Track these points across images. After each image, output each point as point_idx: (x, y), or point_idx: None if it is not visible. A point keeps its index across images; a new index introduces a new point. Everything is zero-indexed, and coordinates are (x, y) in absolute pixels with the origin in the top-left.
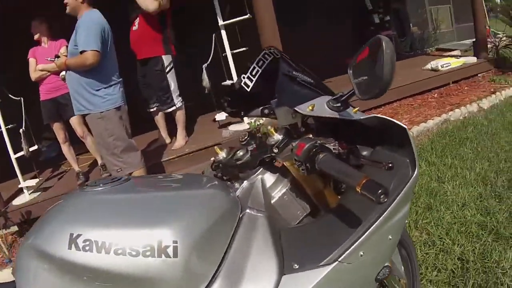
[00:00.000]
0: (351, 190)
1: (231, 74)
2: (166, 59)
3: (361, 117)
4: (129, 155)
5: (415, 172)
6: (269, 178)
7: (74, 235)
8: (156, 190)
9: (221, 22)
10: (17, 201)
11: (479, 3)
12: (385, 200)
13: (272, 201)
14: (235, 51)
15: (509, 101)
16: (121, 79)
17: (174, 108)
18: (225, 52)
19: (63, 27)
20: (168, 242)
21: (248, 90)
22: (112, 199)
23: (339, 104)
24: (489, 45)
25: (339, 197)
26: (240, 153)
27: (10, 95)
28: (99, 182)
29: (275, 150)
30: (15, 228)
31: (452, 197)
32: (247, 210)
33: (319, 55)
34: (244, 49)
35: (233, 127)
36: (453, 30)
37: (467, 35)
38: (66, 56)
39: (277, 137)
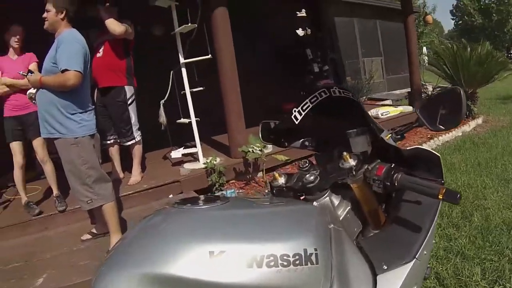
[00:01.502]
0: (401, 202)
1: (187, 112)
2: (129, 90)
3: (408, 148)
4: (101, 186)
5: (459, 202)
6: (335, 199)
7: (215, 252)
8: (264, 207)
9: (182, 60)
10: None
11: (414, 56)
12: (460, 199)
13: (340, 219)
14: (194, 89)
15: (446, 145)
16: (93, 106)
17: (133, 141)
18: (183, 89)
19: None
20: (311, 250)
21: (296, 123)
22: (235, 213)
23: (399, 136)
24: (422, 95)
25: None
26: (310, 177)
27: None
28: (193, 201)
29: (353, 173)
30: None
31: None
32: (332, 226)
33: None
34: (201, 88)
35: (188, 165)
36: (383, 81)
37: (396, 85)
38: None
39: (352, 162)
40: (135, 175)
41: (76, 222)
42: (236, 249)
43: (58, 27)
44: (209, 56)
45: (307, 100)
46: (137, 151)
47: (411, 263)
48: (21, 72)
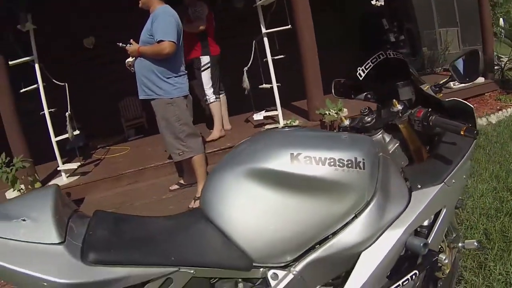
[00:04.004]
0: (440, 143)
1: (269, 78)
2: (204, 60)
3: (446, 99)
4: (192, 140)
5: (477, 137)
6: (387, 137)
7: (294, 154)
8: (327, 132)
9: (263, 30)
10: (54, 183)
11: (488, 26)
12: (477, 136)
13: (390, 152)
14: (275, 57)
15: None
16: (186, 71)
17: (208, 102)
18: (265, 57)
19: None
20: (360, 159)
21: (360, 79)
22: (307, 134)
23: (437, 89)
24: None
25: (428, 153)
26: (368, 118)
27: (54, 80)
28: (281, 128)
29: (400, 115)
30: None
31: (472, 189)
32: (381, 154)
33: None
34: (281, 56)
35: (269, 127)
36: (460, 52)
37: None
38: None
39: (400, 107)
40: (214, 132)
41: (164, 176)
42: (308, 152)
43: (151, 4)
44: (289, 26)
45: (369, 61)
46: (214, 110)
47: (439, 186)
48: (120, 44)
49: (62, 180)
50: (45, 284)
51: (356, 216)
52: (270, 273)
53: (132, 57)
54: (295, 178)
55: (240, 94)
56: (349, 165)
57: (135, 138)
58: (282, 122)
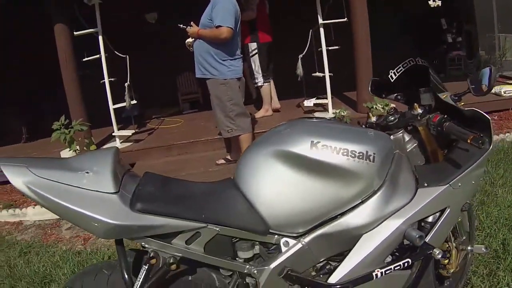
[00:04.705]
0: (454, 148)
1: (322, 67)
2: (252, 46)
3: (465, 109)
4: (241, 119)
5: (491, 146)
6: (406, 136)
7: (314, 142)
8: (350, 126)
9: (320, 21)
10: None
11: None
12: (483, 146)
13: (407, 150)
14: (329, 48)
15: None
16: (242, 55)
17: (257, 85)
18: (320, 47)
19: None
20: (371, 153)
21: (392, 81)
22: (329, 125)
23: (456, 98)
24: None
25: (444, 155)
26: (392, 118)
27: (116, 52)
28: (310, 118)
29: (418, 118)
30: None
31: (501, 199)
32: (397, 151)
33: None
34: (336, 47)
35: (318, 114)
36: None
37: None
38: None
39: (419, 111)
40: (261, 111)
41: (213, 150)
42: (326, 141)
43: None
44: (345, 19)
45: (400, 65)
46: (263, 93)
47: (444, 187)
48: (181, 25)
49: (116, 145)
50: (96, 224)
51: (362, 202)
52: (283, 240)
53: (192, 38)
54: (313, 162)
55: (293, 80)
56: (360, 157)
57: (190, 112)
58: (331, 111)
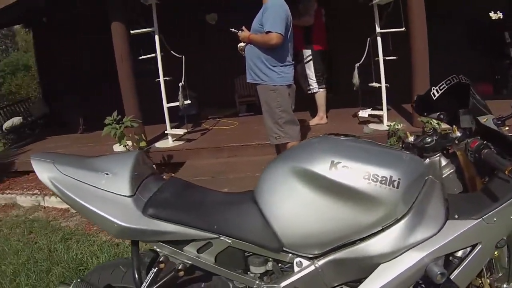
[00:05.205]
0: (495, 177)
1: (379, 77)
2: (306, 53)
3: (510, 135)
4: (290, 127)
5: None
6: (443, 161)
7: (335, 162)
8: (377, 146)
9: (378, 30)
10: (160, 144)
11: None
12: None
13: (443, 176)
14: (387, 58)
15: None
16: (293, 62)
17: (310, 92)
18: (377, 57)
19: None
20: (395, 178)
21: (434, 99)
22: (354, 145)
23: (500, 122)
24: None
25: (483, 184)
26: (428, 139)
27: (172, 52)
28: (337, 135)
29: (456, 142)
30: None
31: None
32: (430, 176)
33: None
34: (393, 57)
35: (373, 126)
36: None
37: None
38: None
39: (458, 134)
40: (315, 118)
41: (263, 155)
42: (347, 162)
43: None
44: (403, 29)
45: (443, 82)
46: (317, 99)
47: (476, 221)
48: (232, 29)
49: (168, 143)
50: (109, 224)
51: (383, 229)
52: (296, 260)
53: (244, 43)
54: (331, 183)
55: (349, 89)
56: (383, 182)
57: (246, 114)
58: (386, 123)
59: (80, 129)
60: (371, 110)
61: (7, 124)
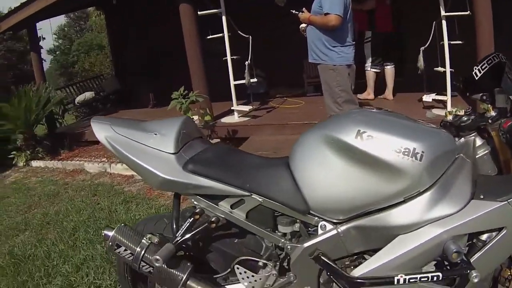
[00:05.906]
0: None
1: (444, 62)
2: (367, 34)
3: None
4: (348, 106)
5: None
6: (479, 141)
7: (361, 131)
8: (408, 120)
9: (443, 13)
10: (226, 120)
11: None
12: None
13: (476, 156)
14: (452, 42)
15: None
16: (354, 42)
17: (368, 70)
18: (443, 40)
19: None
20: (419, 150)
21: (476, 78)
22: (384, 117)
23: None
24: None
25: None
26: (465, 118)
27: (239, 32)
28: (370, 108)
29: (490, 121)
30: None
31: None
32: (461, 155)
33: None
34: (459, 42)
35: (436, 111)
36: None
37: None
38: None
39: (493, 113)
40: (363, 93)
41: None
42: (372, 132)
43: None
44: (468, 12)
45: (484, 61)
46: (367, 78)
47: (501, 203)
48: (293, 11)
49: (234, 118)
50: (152, 177)
51: (404, 201)
52: (321, 223)
53: (305, 24)
54: (356, 151)
55: (414, 72)
56: (405, 153)
57: (313, 94)
58: (449, 108)
59: (151, 104)
60: (435, 95)
61: (79, 98)
